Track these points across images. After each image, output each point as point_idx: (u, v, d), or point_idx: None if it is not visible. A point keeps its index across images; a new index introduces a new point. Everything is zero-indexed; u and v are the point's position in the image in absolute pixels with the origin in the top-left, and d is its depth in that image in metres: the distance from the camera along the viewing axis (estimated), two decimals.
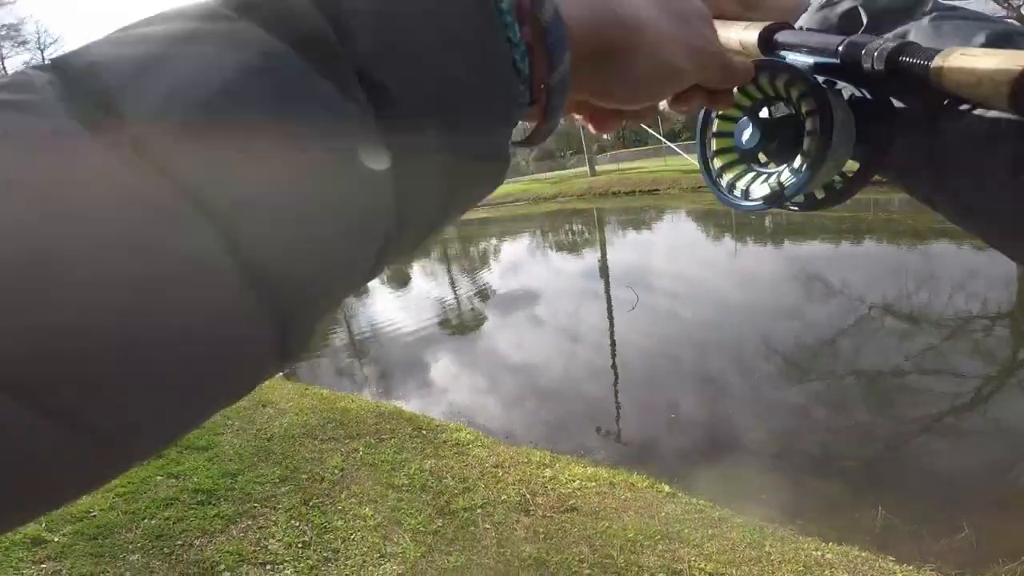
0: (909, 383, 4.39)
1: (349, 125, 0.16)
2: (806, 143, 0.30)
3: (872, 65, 0.28)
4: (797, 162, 0.31)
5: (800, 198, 0.33)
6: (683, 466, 3.44)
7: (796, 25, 0.34)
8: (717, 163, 0.36)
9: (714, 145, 0.36)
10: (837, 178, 0.32)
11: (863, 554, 2.30)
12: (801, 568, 2.14)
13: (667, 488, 2.74)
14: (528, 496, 2.63)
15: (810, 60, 0.30)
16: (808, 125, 0.30)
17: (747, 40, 0.33)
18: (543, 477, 2.81)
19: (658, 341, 6.04)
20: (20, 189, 0.12)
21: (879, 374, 4.54)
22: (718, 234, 12.17)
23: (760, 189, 0.33)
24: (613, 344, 6.05)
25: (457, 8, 0.18)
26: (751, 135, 0.33)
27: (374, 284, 12.09)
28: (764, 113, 0.34)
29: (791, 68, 0.31)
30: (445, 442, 3.24)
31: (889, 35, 0.30)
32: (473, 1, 0.19)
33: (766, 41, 0.32)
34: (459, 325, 7.88)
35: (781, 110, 0.33)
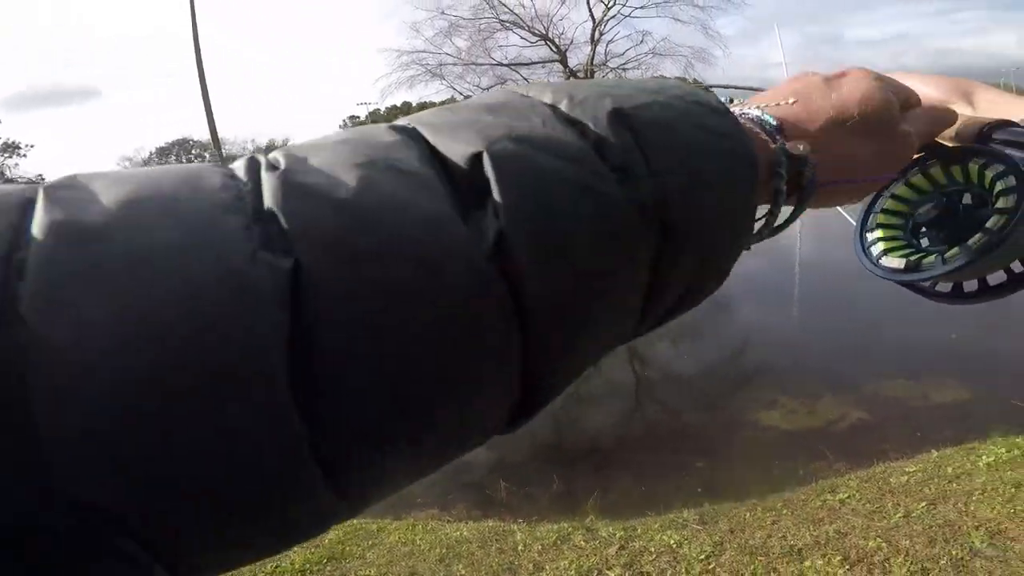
0: None
1: (641, 244, 0.20)
2: (983, 230, 0.30)
3: None
4: (952, 251, 0.31)
5: (945, 285, 0.34)
6: None
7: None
8: (876, 220, 0.36)
9: (886, 204, 0.36)
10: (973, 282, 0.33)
11: (492, 524, 2.88)
12: (445, 549, 2.61)
13: None
14: None
15: None
16: (993, 222, 0.30)
17: (965, 132, 0.34)
18: None
19: None
20: None
21: None
22: None
23: (896, 261, 0.33)
24: None
25: (745, 173, 0.22)
26: (931, 208, 0.34)
27: None
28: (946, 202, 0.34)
29: (1006, 158, 0.31)
30: None
31: None
32: (755, 173, 0.22)
33: (984, 135, 0.33)
34: None
35: (966, 200, 0.33)
